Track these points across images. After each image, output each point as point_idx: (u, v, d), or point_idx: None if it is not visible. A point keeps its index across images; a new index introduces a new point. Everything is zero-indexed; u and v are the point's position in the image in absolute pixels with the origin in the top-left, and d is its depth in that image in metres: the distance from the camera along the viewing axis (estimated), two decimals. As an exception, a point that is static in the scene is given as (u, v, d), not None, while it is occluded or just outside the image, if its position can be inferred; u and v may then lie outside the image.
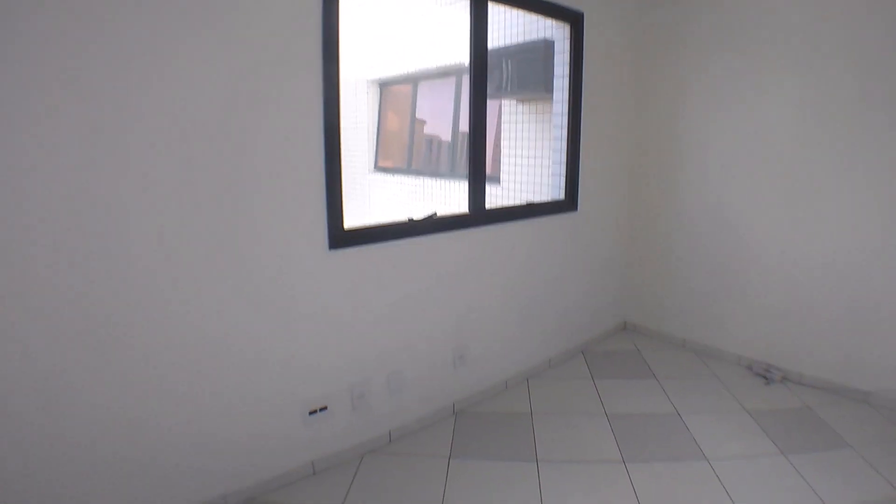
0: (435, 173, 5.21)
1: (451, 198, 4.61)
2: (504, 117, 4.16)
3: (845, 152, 2.87)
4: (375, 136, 6.19)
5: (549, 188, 3.45)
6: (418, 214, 2.58)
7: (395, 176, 5.75)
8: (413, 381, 2.63)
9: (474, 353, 2.89)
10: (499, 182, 4.11)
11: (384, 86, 6.14)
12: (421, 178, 5.27)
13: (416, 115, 5.66)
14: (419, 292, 2.58)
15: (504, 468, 2.39)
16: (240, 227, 1.97)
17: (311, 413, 2.28)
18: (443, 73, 5.06)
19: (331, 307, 2.27)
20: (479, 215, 2.77)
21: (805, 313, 3.12)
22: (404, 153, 5.81)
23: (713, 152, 3.38)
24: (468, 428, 2.70)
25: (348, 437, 2.43)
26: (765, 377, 3.21)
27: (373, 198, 5.79)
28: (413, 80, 5.65)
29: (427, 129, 5.61)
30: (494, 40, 3.53)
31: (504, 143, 4.12)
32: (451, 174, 4.97)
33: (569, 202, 3.31)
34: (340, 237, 2.24)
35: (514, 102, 4.14)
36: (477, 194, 2.76)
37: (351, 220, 2.34)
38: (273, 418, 2.18)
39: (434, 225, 2.59)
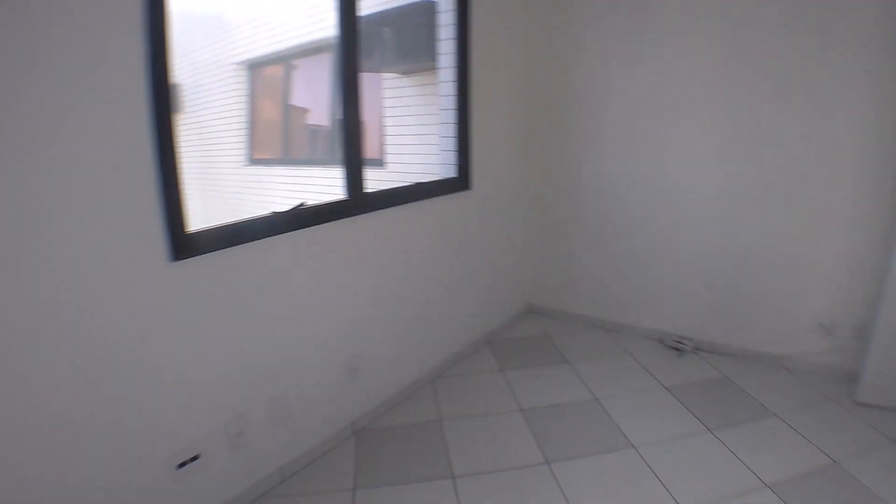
0: (315, 161, 4.71)
1: (334, 187, 4.17)
2: (387, 93, 3.78)
3: (747, 116, 2.81)
4: (248, 125, 5.52)
5: (441, 168, 3.12)
6: (284, 207, 2.14)
7: (273, 168, 5.16)
8: (300, 404, 2.19)
9: (370, 361, 2.50)
10: (385, 165, 3.74)
11: (254, 67, 5.48)
12: (301, 168, 4.74)
13: (292, 99, 5.10)
14: (295, 298, 2.14)
15: (417, 492, 2.06)
16: (29, 256, 1.39)
17: (179, 466, 1.79)
18: (316, 50, 4.55)
19: (185, 334, 1.77)
20: (358, 202, 2.37)
21: (711, 282, 3.07)
22: (281, 142, 5.23)
23: (610, 117, 3.21)
24: (372, 449, 2.33)
25: (231, 485, 1.97)
26: (677, 349, 3.13)
27: (247, 194, 5.16)
28: (285, 59, 5.07)
29: (305, 113, 5.07)
30: (369, 5, 3.11)
31: (389, 122, 3.75)
32: (333, 161, 4.50)
33: (462, 181, 2.98)
34: (185, 244, 1.73)
35: (397, 76, 3.77)
36: (354, 178, 2.35)
37: (212, 222, 1.84)
38: (138, 480, 1.69)
39: (305, 217, 2.15)
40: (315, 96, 4.80)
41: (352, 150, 2.32)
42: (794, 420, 2.45)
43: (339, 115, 2.26)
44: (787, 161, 2.73)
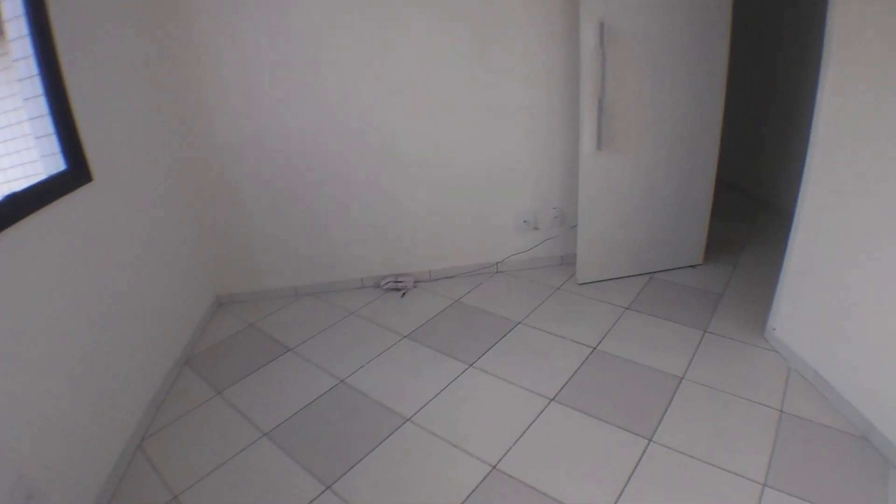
0: None
1: None
2: None
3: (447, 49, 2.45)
4: None
5: (45, 162, 1.84)
6: None
7: None
8: None
9: (47, 473, 1.31)
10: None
11: None
12: None
13: None
14: None
15: None
16: None
17: None
18: None
19: None
20: None
21: (410, 213, 2.82)
22: None
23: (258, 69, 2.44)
24: None
25: None
26: (397, 289, 2.86)
27: None
28: None
29: None
30: None
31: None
32: None
33: (76, 173, 1.85)
34: None
35: None
36: None
37: None
38: None
39: None
40: None
41: None
42: (539, 321, 2.51)
43: None
44: (489, 91, 2.62)
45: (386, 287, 2.88)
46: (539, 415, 1.94)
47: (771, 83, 3.50)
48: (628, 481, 1.64)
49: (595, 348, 2.29)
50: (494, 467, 1.73)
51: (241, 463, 1.82)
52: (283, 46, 2.41)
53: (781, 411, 1.89)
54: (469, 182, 2.77)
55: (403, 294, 2.85)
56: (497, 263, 2.99)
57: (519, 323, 2.52)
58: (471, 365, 2.25)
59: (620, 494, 1.60)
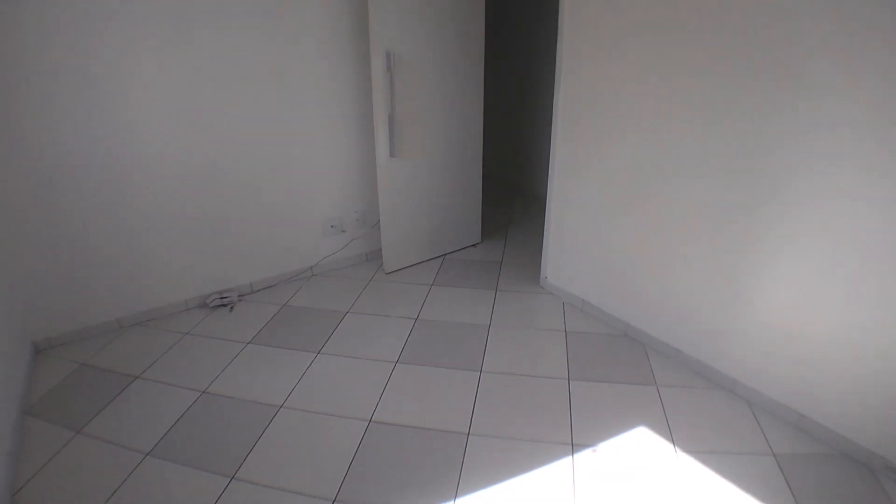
0: None
1: None
2: None
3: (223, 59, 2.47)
4: None
5: None
6: None
7: None
8: None
9: None
10: None
11: None
12: None
13: None
14: None
15: None
16: None
17: None
18: None
19: None
20: None
21: (225, 229, 2.83)
22: None
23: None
24: None
25: None
26: (224, 305, 2.86)
27: None
28: None
29: None
30: None
31: None
32: None
33: None
34: None
35: None
36: None
37: None
38: None
39: None
40: None
41: None
42: (364, 307, 2.83)
43: None
44: (290, 112, 2.75)
45: (212, 304, 2.86)
46: (390, 375, 2.28)
47: (520, 95, 4.49)
48: (475, 402, 2.10)
49: (417, 318, 2.72)
50: (371, 420, 2.01)
51: (134, 485, 1.74)
52: (82, 65, 2.24)
53: (565, 331, 2.59)
54: (277, 195, 2.95)
55: (231, 308, 2.86)
56: (311, 267, 3.21)
57: (347, 312, 2.80)
58: (318, 352, 2.46)
59: (473, 411, 2.05)
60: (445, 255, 3.46)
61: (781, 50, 1.72)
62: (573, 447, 1.87)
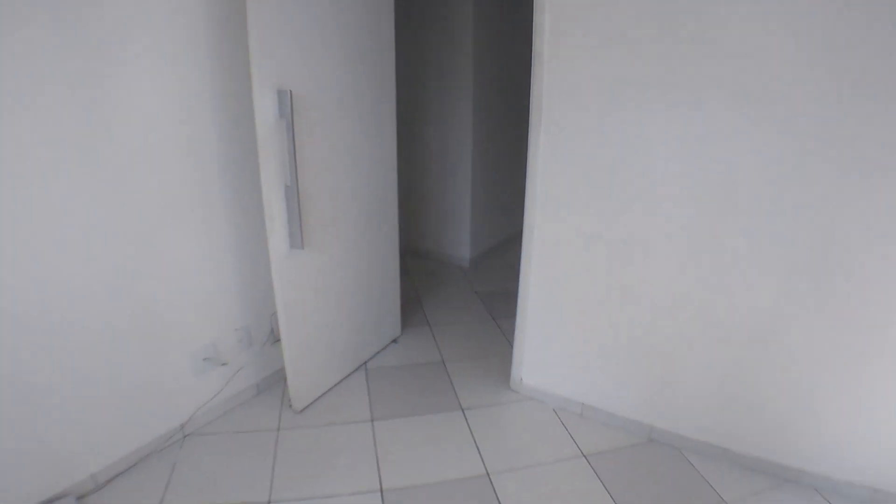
0: None
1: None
2: None
3: None
4: None
5: None
6: None
7: None
8: None
9: None
10: None
11: None
12: None
13: None
14: None
15: None
16: None
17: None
18: None
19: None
20: None
21: (43, 401, 1.49)
22: None
23: None
24: None
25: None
26: None
27: None
28: None
29: None
30: None
31: None
32: None
33: None
34: None
35: None
36: None
37: None
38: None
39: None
40: None
41: None
42: (290, 492, 1.76)
43: None
44: (130, 207, 1.47)
45: None
46: None
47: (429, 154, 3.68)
48: None
49: (383, 490, 1.79)
50: None
51: None
52: None
53: (583, 454, 1.95)
54: (114, 332, 1.72)
55: None
56: (183, 425, 1.99)
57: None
58: None
59: None
60: (366, 363, 2.52)
61: None
62: None
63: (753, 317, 1.73)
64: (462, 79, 3.31)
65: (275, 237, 1.87)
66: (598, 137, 1.81)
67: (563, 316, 2.09)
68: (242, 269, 2.08)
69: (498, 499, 1.74)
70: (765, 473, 1.85)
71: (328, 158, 2.01)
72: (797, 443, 1.80)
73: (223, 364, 2.08)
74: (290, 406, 2.16)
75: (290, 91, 1.73)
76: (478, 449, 1.97)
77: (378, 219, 2.37)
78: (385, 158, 2.35)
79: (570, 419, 2.14)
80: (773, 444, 1.83)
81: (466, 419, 2.13)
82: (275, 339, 2.24)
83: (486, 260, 3.86)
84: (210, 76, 1.81)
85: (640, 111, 1.72)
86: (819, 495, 1.77)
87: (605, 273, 1.94)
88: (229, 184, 1.95)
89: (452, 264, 3.75)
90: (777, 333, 1.71)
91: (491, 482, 1.81)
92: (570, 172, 1.90)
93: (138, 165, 1.68)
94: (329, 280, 2.16)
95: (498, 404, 2.24)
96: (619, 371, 2.03)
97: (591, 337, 2.05)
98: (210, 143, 1.86)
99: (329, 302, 2.19)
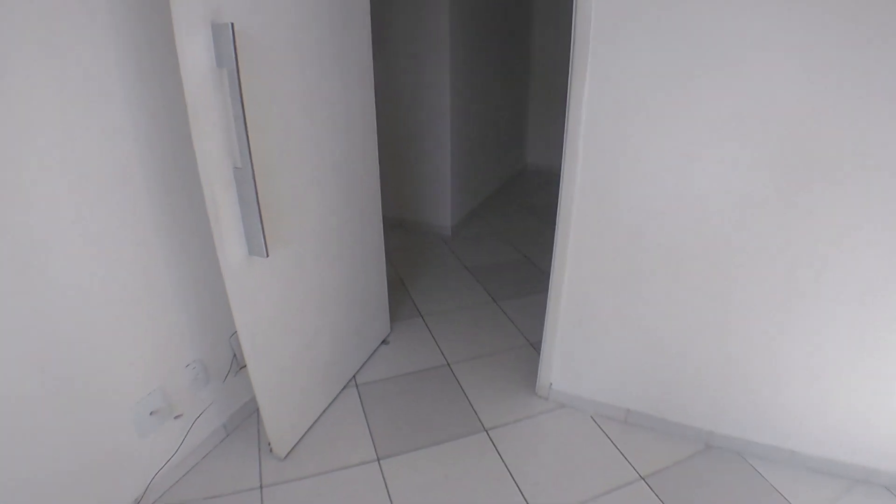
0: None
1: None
2: None
3: None
4: None
5: None
6: None
7: None
8: None
9: None
10: None
11: None
12: None
13: None
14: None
15: None
16: None
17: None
18: None
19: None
20: None
21: None
22: None
23: None
24: None
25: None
26: None
27: None
28: None
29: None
30: None
31: None
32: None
33: None
34: None
35: None
36: None
37: None
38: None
39: None
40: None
41: None
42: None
43: None
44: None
45: None
46: None
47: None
48: None
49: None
50: None
51: None
52: None
53: (639, 476, 1.58)
54: (19, 408, 1.14)
55: None
56: (137, 502, 1.46)
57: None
58: None
59: None
60: (355, 376, 2.03)
61: None
62: None
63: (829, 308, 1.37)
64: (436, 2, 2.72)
65: (225, 243, 1.32)
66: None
67: (610, 302, 1.66)
68: (184, 287, 1.51)
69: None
70: (831, 475, 1.57)
71: (293, 121, 1.44)
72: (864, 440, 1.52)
73: (177, 417, 1.53)
74: (271, 450, 1.66)
75: (232, 24, 1.14)
76: (515, 483, 1.57)
77: (359, 195, 1.84)
78: (365, 115, 1.78)
79: (613, 429, 1.77)
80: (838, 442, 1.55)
81: (493, 443, 1.71)
82: (240, 365, 1.71)
83: (469, 227, 3.38)
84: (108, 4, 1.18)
85: None
86: (893, 496, 1.51)
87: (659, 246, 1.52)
88: (155, 171, 1.36)
89: (433, 233, 3.25)
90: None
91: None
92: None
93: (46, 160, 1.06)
94: (304, 285, 1.63)
95: (527, 417, 1.82)
96: (672, 370, 1.65)
97: (639, 326, 1.64)
98: (117, 110, 1.25)
99: (306, 313, 1.66)
